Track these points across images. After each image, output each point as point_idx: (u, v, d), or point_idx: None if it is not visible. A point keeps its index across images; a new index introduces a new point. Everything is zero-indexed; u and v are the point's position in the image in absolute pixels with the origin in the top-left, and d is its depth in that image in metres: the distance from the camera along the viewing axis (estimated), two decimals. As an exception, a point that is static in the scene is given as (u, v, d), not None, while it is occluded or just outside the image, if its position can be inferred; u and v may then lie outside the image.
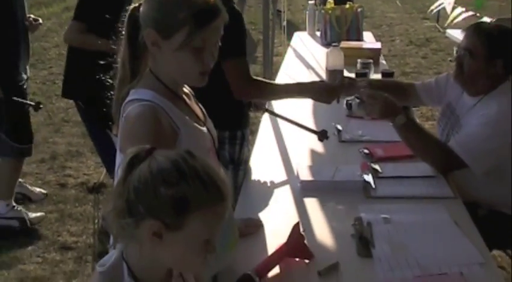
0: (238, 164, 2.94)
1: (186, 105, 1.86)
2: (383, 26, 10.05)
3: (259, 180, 2.67)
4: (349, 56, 3.95)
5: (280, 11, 7.31)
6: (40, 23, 4.20)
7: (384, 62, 4.55)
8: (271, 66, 5.53)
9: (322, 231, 2.22)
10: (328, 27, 4.91)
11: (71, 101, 4.25)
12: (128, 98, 1.78)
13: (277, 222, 2.28)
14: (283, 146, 3.00)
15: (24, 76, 4.01)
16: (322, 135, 2.86)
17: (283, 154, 2.91)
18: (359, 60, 3.91)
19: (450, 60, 7.48)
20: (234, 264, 1.96)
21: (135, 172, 1.30)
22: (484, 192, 2.71)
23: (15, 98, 3.86)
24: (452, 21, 4.73)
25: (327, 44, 4.61)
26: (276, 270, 1.96)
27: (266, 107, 3.32)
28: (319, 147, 2.94)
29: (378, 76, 3.81)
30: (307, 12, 5.42)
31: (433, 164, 2.65)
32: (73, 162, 5.16)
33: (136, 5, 1.80)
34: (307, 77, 4.04)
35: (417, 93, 3.15)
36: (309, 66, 4.41)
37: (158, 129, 1.70)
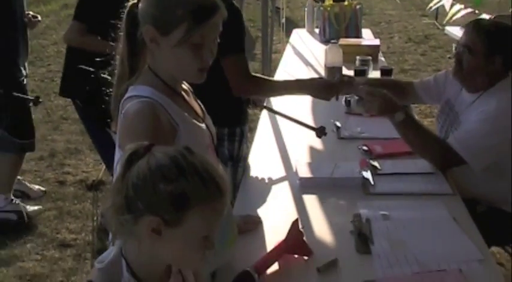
0: (237, 161, 2.94)
1: (184, 102, 1.86)
2: (382, 23, 10.04)
3: (258, 177, 2.67)
4: (348, 53, 3.95)
5: (279, 8, 7.30)
6: (39, 20, 4.21)
7: (382, 59, 4.55)
8: (270, 64, 5.53)
9: (321, 228, 2.22)
10: (327, 24, 4.91)
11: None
12: (127, 95, 1.78)
13: (276, 219, 2.28)
14: (282, 143, 3.00)
15: (24, 72, 4.03)
16: (320, 132, 2.86)
17: (282, 151, 2.91)
18: (358, 57, 3.91)
19: (449, 57, 7.51)
20: (232, 261, 1.96)
21: (133, 168, 1.30)
22: (483, 189, 2.72)
23: (15, 94, 3.88)
24: (451, 18, 4.73)
25: (325, 41, 4.60)
26: (274, 266, 1.96)
27: (265, 104, 3.33)
28: (318, 144, 2.94)
29: (377, 73, 3.81)
30: (306, 9, 5.41)
31: (431, 161, 2.65)
32: (72, 159, 5.15)
33: (135, 1, 1.79)
34: (306, 74, 4.04)
35: (416, 92, 3.15)
36: (307, 63, 4.41)
37: (157, 126, 1.70)
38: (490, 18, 4.14)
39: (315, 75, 3.89)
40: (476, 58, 2.66)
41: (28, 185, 4.47)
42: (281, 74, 4.15)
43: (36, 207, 4.24)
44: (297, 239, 2.02)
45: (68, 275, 3.56)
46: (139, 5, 1.77)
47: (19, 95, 3.89)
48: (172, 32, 1.71)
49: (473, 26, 2.72)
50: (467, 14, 4.74)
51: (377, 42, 4.63)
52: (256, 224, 2.23)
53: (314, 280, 1.93)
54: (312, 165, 2.68)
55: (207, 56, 1.76)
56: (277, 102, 3.37)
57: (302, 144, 2.94)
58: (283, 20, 6.61)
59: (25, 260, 3.71)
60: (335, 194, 2.47)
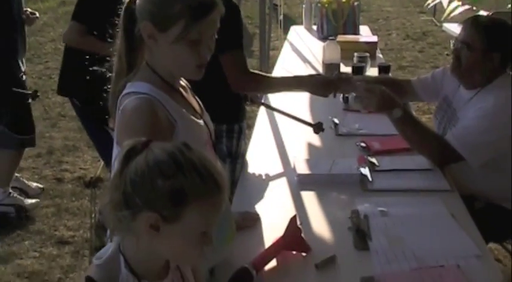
0: (236, 158, 2.94)
1: (182, 98, 1.86)
2: (380, 20, 10.04)
3: (256, 174, 2.67)
4: (346, 49, 3.95)
5: (276, 5, 7.29)
6: (37, 17, 4.22)
7: (380, 55, 4.55)
8: (268, 60, 5.53)
9: (319, 225, 2.22)
10: (325, 21, 4.90)
11: (67, 96, 4.25)
12: (125, 91, 1.78)
13: (274, 215, 2.28)
14: (280, 139, 3.00)
15: (23, 68, 4.05)
16: (317, 128, 2.86)
17: (280, 148, 2.91)
18: (356, 54, 3.91)
19: (447, 54, 7.52)
20: (231, 258, 1.96)
21: (131, 164, 1.29)
22: (481, 185, 2.72)
23: (14, 89, 3.90)
24: (448, 15, 4.74)
25: (323, 38, 4.61)
26: (273, 263, 1.96)
27: (262, 100, 3.33)
28: (316, 140, 2.94)
29: (375, 70, 3.81)
30: (303, 6, 5.41)
31: (429, 157, 2.65)
32: (70, 156, 5.15)
33: (133, -3, 1.79)
34: (304, 71, 4.03)
35: (414, 90, 3.15)
36: (305, 60, 4.41)
37: (155, 122, 1.70)
38: (487, 15, 4.14)
39: (313, 72, 3.87)
40: (475, 54, 2.66)
41: (26, 182, 4.47)
42: (279, 71, 4.15)
43: (33, 201, 4.28)
44: (295, 235, 2.02)
45: (66, 272, 3.56)
46: (137, 1, 1.76)
47: (18, 90, 3.91)
48: (170, 28, 1.71)
49: (472, 22, 2.72)
50: (465, 10, 4.75)
51: (375, 39, 4.63)
52: (254, 220, 2.23)
53: (312, 276, 1.94)
54: (310, 162, 2.68)
55: (204, 52, 1.76)
56: (275, 99, 3.37)
57: (300, 141, 2.95)
58: (281, 17, 6.60)
59: (23, 257, 3.71)
60: (333, 191, 2.48)
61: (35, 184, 4.52)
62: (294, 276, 1.94)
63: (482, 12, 4.44)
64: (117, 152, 1.71)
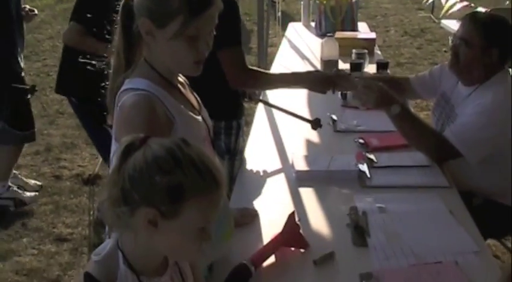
0: (234, 154, 2.94)
1: (181, 94, 1.86)
2: (378, 17, 10.03)
3: (254, 171, 2.67)
4: (344, 46, 3.96)
5: (274, 2, 7.29)
6: (36, 14, 4.23)
7: (378, 52, 4.55)
8: (266, 57, 5.52)
9: (318, 221, 2.23)
10: (323, 18, 4.90)
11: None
12: (123, 88, 1.77)
13: (272, 212, 2.28)
14: (278, 136, 3.00)
15: (22, 64, 4.07)
16: (315, 124, 2.86)
17: (278, 144, 2.91)
18: (354, 51, 3.91)
19: (445, 51, 7.52)
20: (229, 254, 1.97)
21: (129, 160, 1.29)
22: (479, 182, 2.72)
23: (13, 85, 3.93)
24: (447, 11, 4.75)
25: (321, 35, 4.61)
26: (271, 259, 1.97)
27: (260, 97, 3.32)
28: (314, 137, 2.94)
29: (373, 66, 3.81)
30: (301, 2, 5.41)
31: (427, 154, 2.65)
32: (68, 154, 5.15)
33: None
34: (302, 67, 4.03)
35: (412, 87, 3.16)
36: (303, 56, 4.40)
37: (153, 118, 1.70)
38: (486, 11, 4.14)
39: (311, 69, 3.88)
40: (473, 51, 2.66)
41: (24, 179, 4.47)
42: (277, 67, 4.15)
43: (32, 194, 4.32)
44: (294, 231, 2.02)
45: (64, 269, 3.56)
46: (135, -3, 1.76)
47: (16, 85, 3.93)
48: (168, 24, 1.71)
49: (470, 19, 2.72)
50: (463, 7, 4.76)
51: (373, 35, 4.63)
52: (252, 217, 2.24)
53: (311, 272, 1.94)
54: (308, 158, 2.68)
55: (202, 48, 1.75)
56: (273, 95, 3.37)
57: (298, 137, 2.95)
58: (279, 14, 6.60)
59: (21, 254, 3.71)
60: (331, 187, 2.48)
61: (33, 181, 4.52)
62: (293, 273, 1.94)
63: (481, 9, 4.45)
64: (115, 149, 1.71)
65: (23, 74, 4.09)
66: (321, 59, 3.91)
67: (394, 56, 7.75)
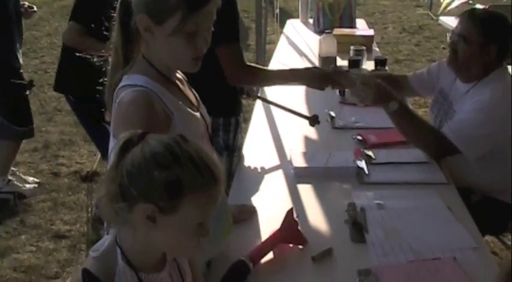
0: (233, 151, 2.94)
1: (179, 91, 1.85)
2: (376, 14, 10.03)
3: (252, 167, 2.67)
4: (342, 43, 3.96)
5: (272, -1, 7.28)
6: (35, 11, 4.25)
7: (376, 49, 4.55)
8: (264, 54, 5.51)
9: (316, 217, 2.23)
10: (321, 15, 4.90)
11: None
12: (121, 84, 1.77)
13: (270, 208, 2.28)
14: (277, 132, 3.00)
15: (21, 60, 4.10)
16: (313, 121, 2.86)
17: (276, 141, 2.91)
18: (352, 47, 3.91)
19: (443, 48, 7.52)
20: (227, 251, 1.96)
21: (127, 156, 1.29)
22: (477, 178, 2.72)
23: (13, 80, 3.97)
24: (445, 8, 4.75)
25: (319, 32, 4.60)
26: (269, 256, 1.96)
27: (258, 94, 3.32)
28: (312, 133, 2.94)
29: (371, 63, 3.81)
30: (300, -1, 5.41)
31: (426, 150, 2.66)
32: (66, 151, 5.15)
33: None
34: (300, 64, 4.03)
35: (410, 85, 3.16)
36: (301, 53, 4.40)
37: (151, 115, 1.69)
38: (484, 8, 4.14)
39: (309, 66, 3.87)
40: (472, 47, 2.66)
41: (22, 176, 4.47)
42: (275, 64, 4.15)
43: (31, 186, 4.36)
44: (292, 228, 2.02)
45: (62, 266, 3.56)
46: (133, -6, 1.75)
47: (14, 80, 3.94)
48: (166, 20, 1.70)
49: (469, 15, 2.72)
50: (461, 4, 4.77)
51: (371, 32, 4.62)
52: (251, 213, 2.24)
53: (309, 269, 1.94)
54: (306, 155, 2.68)
55: (201, 44, 1.75)
56: (271, 92, 3.37)
57: (296, 134, 2.95)
58: (277, 11, 6.59)
59: (20, 251, 3.71)
60: (329, 184, 2.48)
61: (31, 178, 4.52)
62: (291, 269, 1.94)
63: (479, 6, 4.45)
64: (113, 145, 1.70)
65: (21, 70, 4.10)
66: (319, 55, 3.91)
67: (392, 52, 7.75)
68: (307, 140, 2.91)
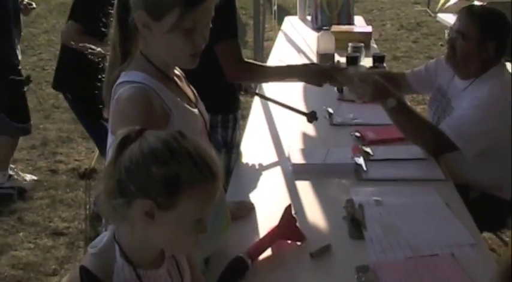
0: (231, 147, 2.94)
1: (177, 87, 1.85)
2: (374, 11, 10.03)
3: (250, 164, 2.67)
4: (340, 40, 3.96)
5: (270, -4, 7.27)
6: (33, 7, 4.25)
7: (374, 46, 4.55)
8: (262, 51, 5.52)
9: (314, 214, 2.23)
10: (319, 12, 4.90)
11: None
12: (119, 80, 1.76)
13: (269, 205, 2.28)
14: (275, 129, 3.00)
15: (19, 57, 4.12)
16: (311, 117, 2.86)
17: (274, 137, 2.91)
18: (350, 44, 3.91)
19: (441, 45, 7.52)
20: (226, 247, 1.97)
21: (125, 152, 1.29)
22: (475, 175, 2.72)
23: (12, 77, 4.00)
24: (443, 5, 4.74)
25: (317, 28, 4.60)
26: (268, 252, 1.97)
27: (256, 90, 3.32)
28: (310, 130, 2.94)
29: (369, 60, 3.81)
30: (298, -4, 5.41)
31: (424, 147, 2.66)
32: (64, 148, 5.14)
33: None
34: (298, 61, 4.02)
35: (408, 82, 3.16)
36: (299, 50, 4.40)
37: (150, 111, 1.69)
38: (482, 5, 4.14)
39: (307, 62, 3.87)
40: (470, 44, 2.65)
41: (20, 173, 4.47)
42: (273, 61, 4.15)
43: (30, 178, 4.41)
44: (290, 224, 2.02)
45: (61, 263, 3.56)
46: (131, -10, 1.75)
47: (14, 77, 3.95)
48: (164, 17, 1.70)
49: (467, 12, 2.72)
50: (460, 1, 4.76)
51: (369, 29, 4.63)
52: (249, 210, 2.24)
53: (307, 265, 1.94)
54: (304, 152, 2.68)
55: (199, 40, 1.75)
56: (269, 88, 3.37)
57: (294, 130, 2.95)
58: (275, 8, 6.59)
59: (18, 248, 3.71)
60: (328, 180, 2.48)
61: (29, 176, 4.52)
62: (289, 265, 1.94)
63: (477, 3, 4.44)
64: (111, 141, 1.70)
65: (20, 66, 4.12)
66: (317, 52, 3.91)
67: (390, 49, 7.75)
68: (305, 136, 2.91)
